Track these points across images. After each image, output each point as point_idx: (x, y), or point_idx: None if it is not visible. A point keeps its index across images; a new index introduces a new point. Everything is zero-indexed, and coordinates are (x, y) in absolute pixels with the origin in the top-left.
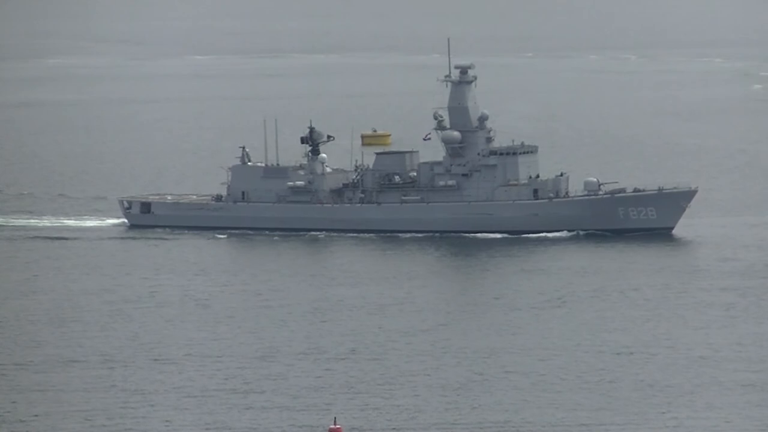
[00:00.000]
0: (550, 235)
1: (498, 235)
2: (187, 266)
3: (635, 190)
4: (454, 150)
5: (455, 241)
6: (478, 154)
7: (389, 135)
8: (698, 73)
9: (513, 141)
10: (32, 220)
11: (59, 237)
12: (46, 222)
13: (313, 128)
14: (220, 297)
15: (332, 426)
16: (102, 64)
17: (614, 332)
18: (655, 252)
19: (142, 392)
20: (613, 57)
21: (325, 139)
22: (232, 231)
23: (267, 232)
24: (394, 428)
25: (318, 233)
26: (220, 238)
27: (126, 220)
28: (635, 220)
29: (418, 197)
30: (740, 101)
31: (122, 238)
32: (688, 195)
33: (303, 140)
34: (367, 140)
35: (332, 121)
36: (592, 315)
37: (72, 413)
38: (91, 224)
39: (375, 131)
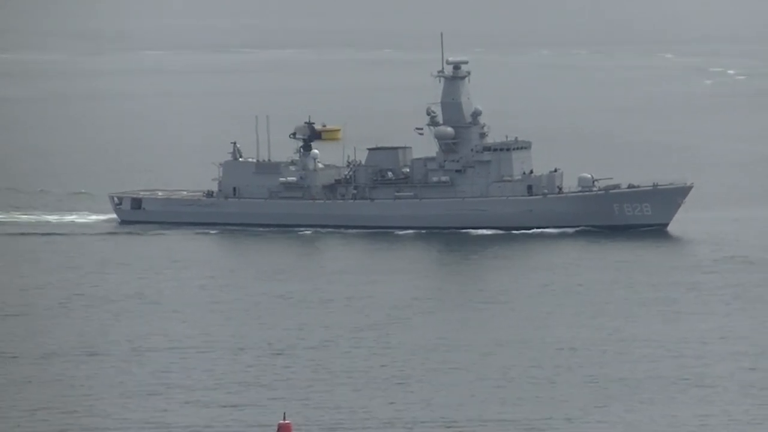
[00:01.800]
0: (546, 231)
1: (492, 232)
2: (168, 262)
3: (630, 186)
4: (448, 146)
5: (448, 237)
6: (472, 149)
7: (339, 129)
8: (650, 68)
9: (507, 136)
10: (18, 215)
11: (48, 233)
12: (43, 217)
13: (311, 123)
14: (180, 292)
15: (282, 421)
16: (83, 60)
17: (558, 327)
18: (645, 248)
19: (84, 388)
20: (565, 52)
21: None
22: (224, 227)
23: (259, 228)
24: (343, 424)
25: (310, 229)
26: (210, 234)
27: (117, 216)
28: (630, 216)
29: (412, 193)
30: (692, 97)
31: (112, 233)
32: (684, 191)
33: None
34: None
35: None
36: (539, 311)
37: (22, 409)
38: (81, 220)
39: (324, 126)
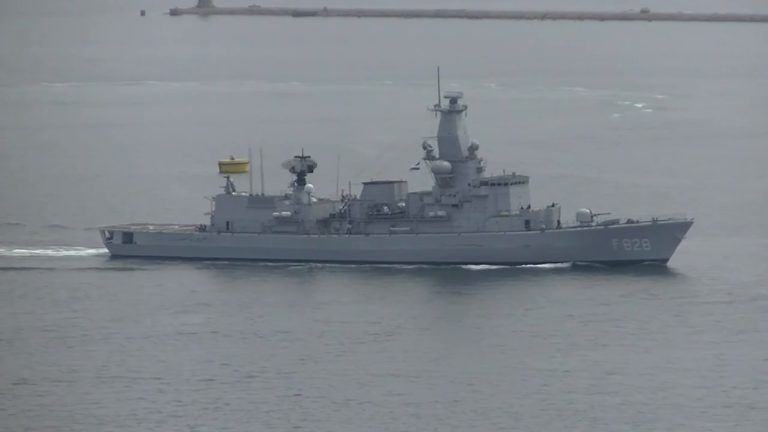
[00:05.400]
0: (546, 266)
1: (489, 267)
2: (155, 297)
3: (629, 222)
4: (444, 180)
5: (444, 272)
6: (469, 184)
7: (247, 162)
8: (559, 101)
9: (504, 171)
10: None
11: (38, 267)
12: (34, 251)
13: (306, 156)
14: (156, 325)
15: None
16: (63, 90)
17: (461, 360)
18: (636, 283)
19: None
20: (475, 85)
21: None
22: (216, 262)
23: (252, 262)
24: None
25: (303, 264)
26: (199, 269)
27: (108, 251)
28: (629, 252)
29: (407, 228)
30: (601, 130)
31: (103, 268)
32: (684, 227)
33: (292, 169)
34: (225, 168)
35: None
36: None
37: None
38: (71, 254)
39: (233, 158)
